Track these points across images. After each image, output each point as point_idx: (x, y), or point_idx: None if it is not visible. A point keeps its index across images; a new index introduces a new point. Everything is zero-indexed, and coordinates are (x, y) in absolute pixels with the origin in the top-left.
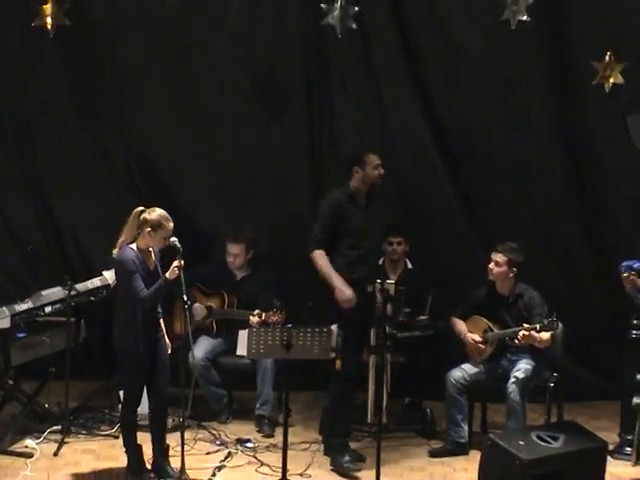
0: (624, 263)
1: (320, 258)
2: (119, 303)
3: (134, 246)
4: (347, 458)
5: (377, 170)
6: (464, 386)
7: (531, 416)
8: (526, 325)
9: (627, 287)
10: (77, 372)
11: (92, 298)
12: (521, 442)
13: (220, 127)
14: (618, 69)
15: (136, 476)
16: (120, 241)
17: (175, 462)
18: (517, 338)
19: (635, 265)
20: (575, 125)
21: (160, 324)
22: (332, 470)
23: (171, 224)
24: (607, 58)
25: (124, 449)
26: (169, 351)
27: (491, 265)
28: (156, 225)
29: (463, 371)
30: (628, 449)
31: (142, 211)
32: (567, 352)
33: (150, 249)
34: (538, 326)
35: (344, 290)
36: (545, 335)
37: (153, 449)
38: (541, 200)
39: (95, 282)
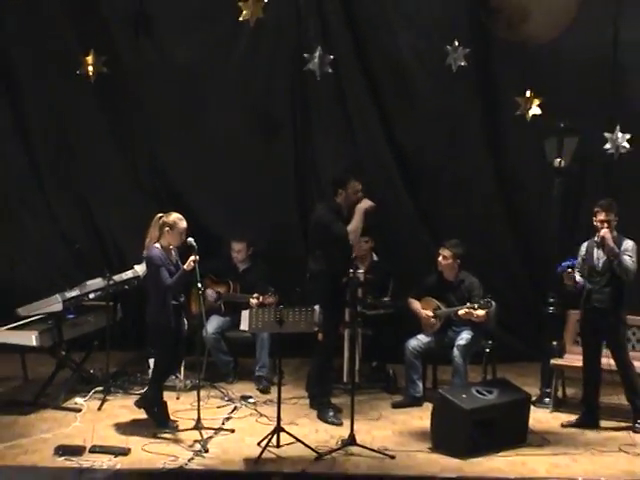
0: (561, 264)
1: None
2: (151, 290)
3: (158, 245)
4: (331, 413)
5: (356, 195)
6: (419, 352)
7: (471, 375)
8: (468, 304)
9: (566, 281)
10: (115, 344)
11: (126, 286)
12: (464, 395)
13: (225, 151)
14: (536, 103)
15: (163, 425)
16: (147, 242)
17: (193, 414)
18: (460, 314)
19: (565, 264)
20: (503, 149)
21: (183, 307)
22: (319, 419)
23: (184, 223)
24: (527, 94)
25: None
26: (186, 327)
27: (440, 258)
28: (172, 225)
29: (418, 340)
30: (547, 400)
31: (161, 216)
32: (499, 324)
33: (171, 247)
34: (476, 305)
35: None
36: (481, 312)
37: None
38: (478, 207)
39: (128, 274)
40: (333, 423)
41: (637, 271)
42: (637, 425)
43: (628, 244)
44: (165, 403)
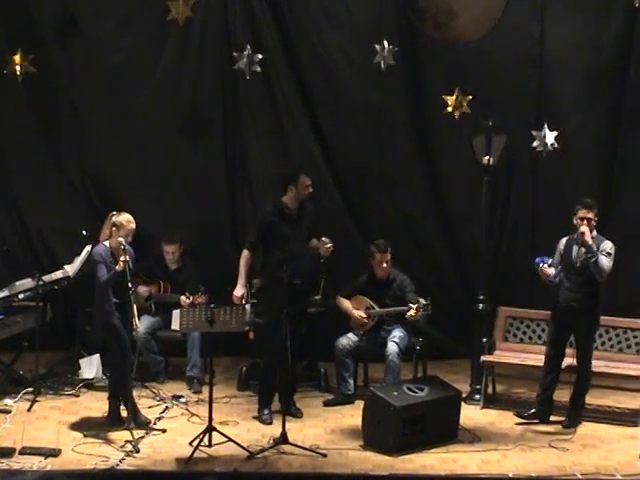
0: (536, 259)
1: (243, 257)
2: (95, 290)
3: (107, 243)
4: (266, 411)
5: (306, 190)
6: (349, 350)
7: (402, 372)
8: (412, 305)
9: (541, 276)
10: (45, 345)
11: (56, 287)
12: (395, 393)
13: (156, 150)
14: (465, 101)
15: (117, 424)
16: (100, 239)
17: (123, 414)
18: (406, 316)
19: (538, 260)
20: (431, 147)
21: (129, 306)
22: (254, 418)
23: (133, 225)
24: (456, 92)
25: (110, 403)
26: (135, 328)
27: (385, 265)
28: (119, 225)
29: (348, 339)
30: (477, 396)
31: (113, 214)
32: (430, 322)
33: (121, 246)
34: (415, 306)
35: (236, 289)
36: (413, 312)
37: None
38: (407, 204)
39: (58, 274)
40: (263, 422)
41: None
42: (567, 420)
43: (607, 244)
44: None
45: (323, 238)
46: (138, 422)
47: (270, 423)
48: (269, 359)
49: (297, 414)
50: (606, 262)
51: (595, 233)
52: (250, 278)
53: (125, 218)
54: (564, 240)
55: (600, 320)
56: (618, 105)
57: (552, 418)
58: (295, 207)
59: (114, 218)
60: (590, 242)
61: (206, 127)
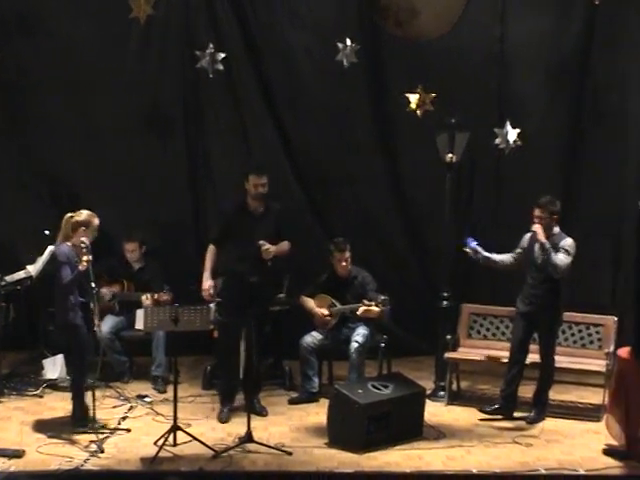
0: (469, 242)
1: (208, 251)
2: (56, 290)
3: (70, 243)
4: (225, 410)
5: (256, 189)
6: (314, 348)
7: (367, 370)
8: (366, 302)
9: (476, 257)
10: (8, 345)
11: (18, 287)
12: (360, 390)
13: (118, 150)
14: (427, 99)
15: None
16: (58, 241)
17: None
18: (358, 312)
19: (470, 242)
20: (395, 145)
21: (89, 306)
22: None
23: (97, 220)
24: (419, 91)
25: (74, 403)
26: (95, 328)
27: (344, 263)
28: (88, 223)
29: (312, 337)
30: (441, 393)
31: (72, 216)
32: (394, 319)
33: (82, 245)
34: (374, 303)
35: (204, 282)
36: (375, 309)
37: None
38: (370, 202)
39: (20, 274)
40: (219, 420)
41: (572, 269)
42: (531, 416)
43: (566, 242)
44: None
45: (260, 242)
46: (86, 423)
47: (224, 421)
48: (223, 357)
49: (262, 412)
50: (561, 259)
51: (557, 230)
52: (216, 274)
53: (89, 214)
54: (527, 236)
55: (563, 316)
56: (579, 103)
57: (516, 414)
58: (256, 205)
59: (78, 218)
60: (543, 240)
61: (168, 126)
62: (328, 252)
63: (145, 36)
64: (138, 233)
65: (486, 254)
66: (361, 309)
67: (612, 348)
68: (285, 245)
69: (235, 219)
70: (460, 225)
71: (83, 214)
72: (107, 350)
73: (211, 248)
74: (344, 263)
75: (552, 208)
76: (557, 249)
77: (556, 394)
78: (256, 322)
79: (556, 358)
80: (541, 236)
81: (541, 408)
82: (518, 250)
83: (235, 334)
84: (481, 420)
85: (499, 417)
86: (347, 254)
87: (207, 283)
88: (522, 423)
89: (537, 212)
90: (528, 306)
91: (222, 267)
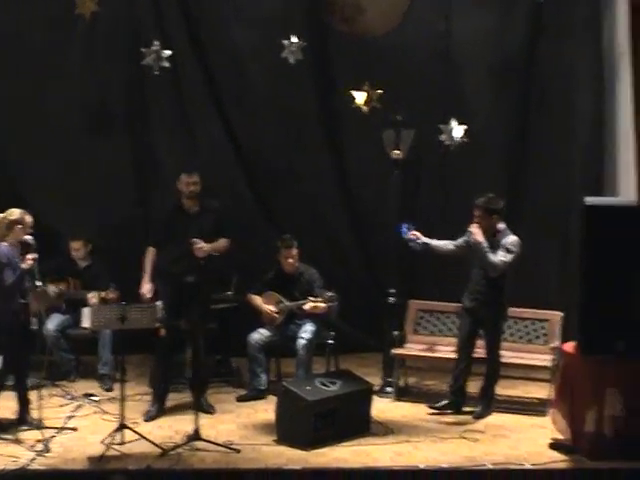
0: (401, 228)
1: (146, 254)
2: None
3: (6, 243)
4: (152, 409)
5: (187, 188)
6: (262, 345)
7: (315, 367)
8: (312, 298)
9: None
10: None
11: None
12: (308, 387)
13: (64, 148)
14: (374, 95)
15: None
16: None
17: (35, 414)
18: (304, 308)
19: (404, 230)
20: (341, 141)
21: (29, 307)
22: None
23: (30, 217)
24: (365, 87)
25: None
26: (29, 327)
27: (291, 260)
28: (21, 220)
29: (260, 334)
30: (389, 389)
31: (4, 216)
32: (341, 316)
33: (30, 243)
34: (321, 299)
35: (142, 285)
36: (322, 305)
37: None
38: (317, 199)
39: None
40: (145, 419)
41: (519, 266)
42: (477, 411)
43: (508, 239)
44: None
45: (193, 239)
46: (31, 423)
47: (146, 420)
48: (156, 356)
49: (210, 410)
50: (500, 258)
51: (502, 227)
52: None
53: (21, 212)
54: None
55: (507, 312)
56: (524, 100)
57: (465, 409)
58: (190, 204)
59: (12, 217)
60: (479, 239)
61: (114, 123)
62: (275, 249)
63: (90, 33)
64: (83, 231)
65: (425, 240)
66: (308, 305)
67: (558, 343)
68: (221, 243)
69: (171, 220)
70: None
71: (15, 212)
72: (53, 348)
73: (150, 250)
74: (291, 260)
75: (490, 207)
76: (499, 247)
77: (502, 389)
78: (199, 322)
79: (503, 353)
80: (478, 236)
81: (487, 403)
82: (461, 240)
83: (172, 335)
84: (430, 415)
85: (448, 412)
86: (294, 251)
87: (145, 287)
88: (469, 418)
89: (475, 212)
90: (472, 302)
91: (159, 269)
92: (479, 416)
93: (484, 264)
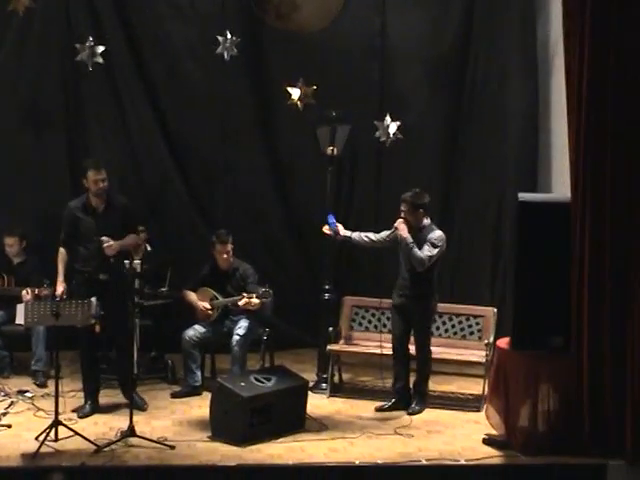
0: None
1: (59, 254)
2: None
3: None
4: (86, 407)
5: (96, 185)
6: (196, 342)
7: (249, 363)
8: (246, 294)
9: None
10: None
11: None
12: (242, 383)
13: None
14: (309, 92)
15: None
16: None
17: None
18: (238, 304)
19: (332, 222)
20: (276, 137)
21: None
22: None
23: None
24: (299, 83)
25: None
26: None
27: (225, 256)
28: None
29: (195, 330)
30: (324, 385)
31: None
32: (276, 312)
33: None
34: (254, 295)
35: (57, 287)
36: (255, 301)
37: None
38: (252, 195)
39: None
40: (79, 416)
41: (452, 262)
42: (412, 407)
43: (434, 235)
44: None
45: (102, 238)
46: None
47: (80, 416)
48: (81, 353)
49: (142, 407)
50: (425, 252)
51: (427, 222)
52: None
53: None
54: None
55: (436, 307)
56: (458, 97)
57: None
58: (98, 202)
59: None
60: (404, 235)
61: (48, 119)
62: (210, 244)
63: (23, 29)
64: (18, 228)
65: (345, 233)
66: (242, 301)
67: (492, 339)
68: (130, 239)
69: (77, 218)
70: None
71: None
72: None
73: (61, 251)
74: (225, 256)
75: (417, 202)
76: (425, 242)
77: (437, 385)
78: (117, 320)
79: (437, 349)
80: (403, 232)
81: (421, 399)
82: (385, 233)
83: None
84: (377, 410)
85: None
86: (229, 247)
87: (60, 288)
88: (403, 414)
89: (402, 207)
90: (400, 298)
91: (71, 268)
92: (413, 412)
93: (410, 259)
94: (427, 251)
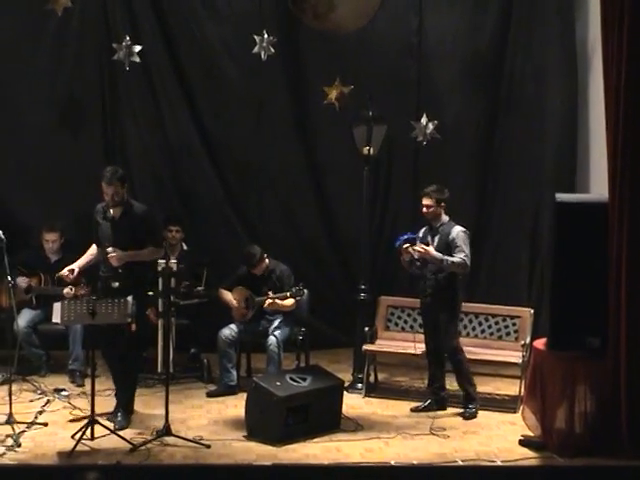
0: (399, 237)
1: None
2: None
3: None
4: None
5: (106, 196)
6: (232, 341)
7: (285, 362)
8: (271, 294)
9: (403, 257)
10: None
11: None
12: (278, 383)
13: (35, 139)
14: (345, 91)
15: None
16: None
17: (5, 409)
18: (266, 306)
19: (403, 237)
20: (313, 137)
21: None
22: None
23: None
24: (336, 83)
25: None
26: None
27: (263, 265)
28: None
29: (231, 329)
30: (359, 385)
31: None
32: (311, 311)
33: None
34: (288, 294)
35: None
36: (288, 302)
37: None
38: (289, 194)
39: None
40: (121, 427)
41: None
42: (469, 408)
43: (458, 236)
44: None
45: (108, 247)
46: None
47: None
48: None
49: (122, 425)
50: (456, 261)
51: (446, 218)
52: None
53: None
54: (423, 230)
55: (461, 306)
56: (495, 95)
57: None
58: (115, 210)
59: None
60: (434, 254)
61: (85, 118)
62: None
63: (61, 29)
64: (59, 223)
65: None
66: (268, 301)
67: (528, 340)
68: (146, 252)
69: (97, 222)
70: (378, 218)
71: None
72: (24, 344)
73: (92, 246)
74: (258, 273)
75: (439, 196)
76: (449, 243)
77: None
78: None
79: (473, 350)
80: (432, 252)
81: (471, 400)
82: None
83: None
84: (412, 410)
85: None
86: (264, 265)
87: (70, 267)
88: (439, 414)
89: (425, 201)
90: (426, 299)
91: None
92: (470, 415)
93: (451, 270)
94: (463, 256)
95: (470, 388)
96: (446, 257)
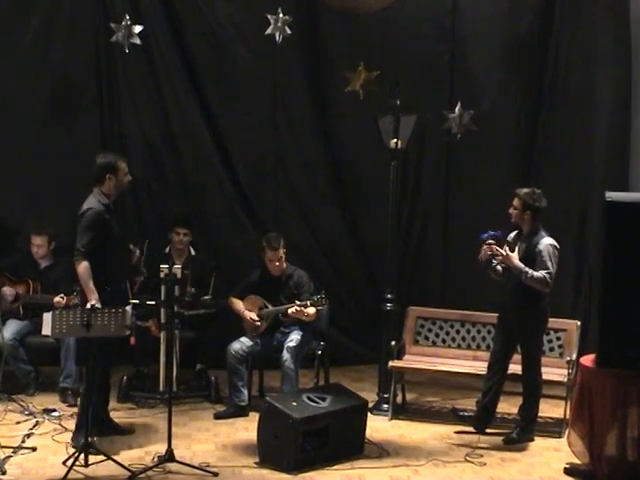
0: (487, 231)
1: (84, 269)
2: None
3: None
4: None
5: (126, 177)
6: (243, 356)
7: (302, 380)
8: (298, 302)
9: (483, 252)
10: None
11: None
12: (294, 403)
13: (24, 133)
14: (370, 78)
15: None
16: None
17: None
18: (288, 314)
19: (487, 234)
20: (333, 128)
21: None
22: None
23: None
24: (360, 68)
25: None
26: None
27: (277, 264)
28: None
29: (241, 343)
30: (385, 406)
31: None
32: (332, 324)
33: None
34: (308, 302)
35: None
36: (311, 310)
37: None
38: (307, 192)
39: None
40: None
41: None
42: (511, 434)
43: (546, 249)
44: None
45: (131, 246)
46: None
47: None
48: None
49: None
50: (536, 276)
51: (538, 228)
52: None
53: None
54: (512, 234)
55: (547, 321)
56: (538, 82)
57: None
58: (113, 199)
59: None
60: (515, 263)
61: (79, 108)
62: (259, 249)
63: (51, 7)
64: (48, 227)
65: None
66: (292, 309)
67: (574, 356)
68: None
69: (108, 220)
70: (406, 219)
71: None
72: (10, 359)
73: (85, 265)
74: (277, 264)
75: (528, 201)
76: (534, 256)
77: (512, 407)
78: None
79: (512, 366)
80: (514, 260)
81: (526, 426)
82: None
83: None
84: (457, 433)
85: (471, 429)
86: (280, 252)
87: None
88: (475, 438)
89: (513, 201)
90: (503, 308)
91: (104, 277)
92: (511, 441)
93: (530, 284)
94: (543, 269)
95: (531, 415)
96: (527, 269)
